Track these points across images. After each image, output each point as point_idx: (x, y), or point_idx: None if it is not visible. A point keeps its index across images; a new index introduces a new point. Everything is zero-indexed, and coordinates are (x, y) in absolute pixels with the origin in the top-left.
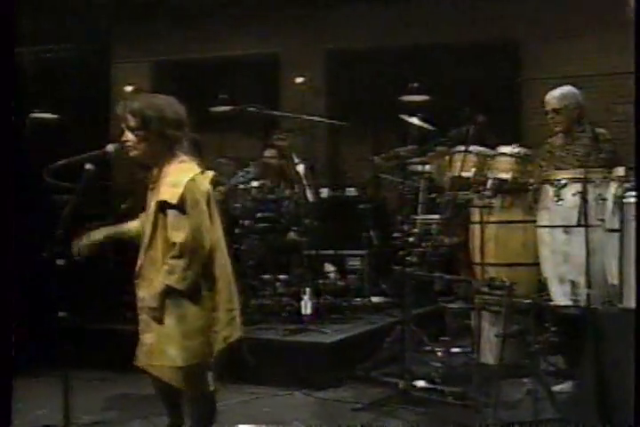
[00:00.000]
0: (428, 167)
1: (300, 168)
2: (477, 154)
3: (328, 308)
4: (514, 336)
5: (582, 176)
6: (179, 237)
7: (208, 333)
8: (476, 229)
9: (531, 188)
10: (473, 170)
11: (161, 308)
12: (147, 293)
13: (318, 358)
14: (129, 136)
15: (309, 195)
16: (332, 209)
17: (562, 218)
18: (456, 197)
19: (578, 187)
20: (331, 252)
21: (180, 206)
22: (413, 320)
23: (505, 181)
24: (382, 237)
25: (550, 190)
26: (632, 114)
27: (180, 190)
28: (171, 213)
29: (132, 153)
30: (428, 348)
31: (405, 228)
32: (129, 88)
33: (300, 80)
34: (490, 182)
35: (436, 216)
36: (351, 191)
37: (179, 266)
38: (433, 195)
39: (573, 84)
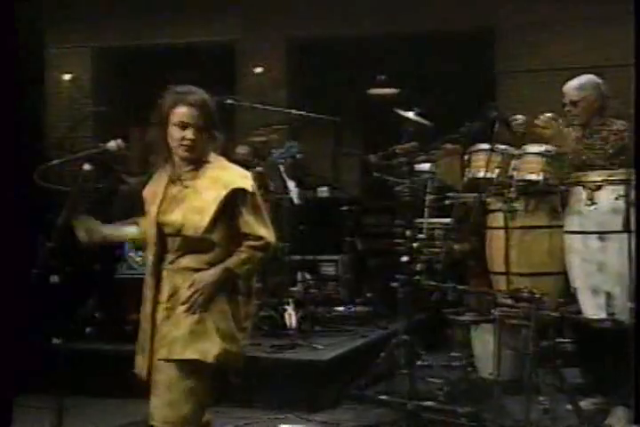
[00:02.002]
0: (430, 166)
1: (282, 168)
2: (502, 153)
3: (310, 319)
4: (543, 353)
5: (622, 177)
6: (264, 231)
7: (240, 340)
8: (494, 234)
9: (555, 189)
10: (497, 171)
11: (209, 298)
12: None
13: (314, 377)
14: (192, 134)
15: (295, 197)
16: (309, 211)
17: (596, 223)
18: (480, 199)
19: (616, 189)
20: (311, 257)
21: (255, 198)
22: (409, 333)
23: (536, 182)
24: (367, 242)
25: (582, 193)
26: (622, 109)
27: (251, 182)
28: (249, 204)
29: (191, 153)
30: (423, 363)
31: (408, 233)
32: (67, 76)
33: (258, 70)
34: (515, 184)
35: (445, 220)
36: (323, 191)
37: (257, 259)
38: (434, 197)
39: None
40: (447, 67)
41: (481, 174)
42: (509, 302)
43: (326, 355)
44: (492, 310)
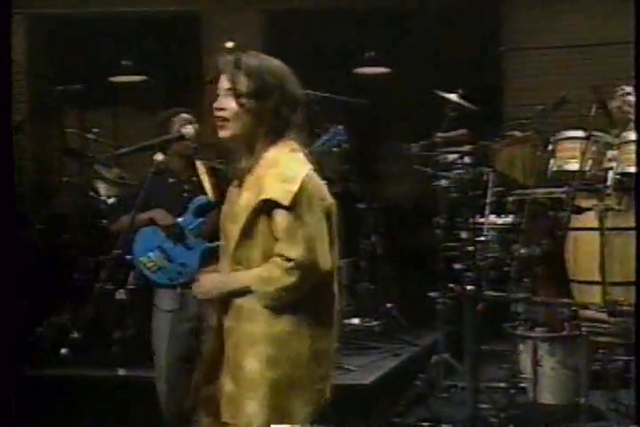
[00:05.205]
0: (468, 159)
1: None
2: (597, 142)
3: None
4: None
5: None
6: (294, 251)
7: (312, 384)
8: (582, 237)
9: None
10: (589, 162)
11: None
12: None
13: (356, 404)
14: (229, 104)
15: None
16: None
17: None
18: (571, 196)
19: None
20: None
21: (294, 209)
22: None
23: None
24: (387, 245)
25: None
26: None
27: (294, 188)
28: (282, 217)
29: (226, 131)
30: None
31: (464, 235)
32: None
33: (229, 45)
34: (613, 178)
35: (507, 220)
36: None
37: (284, 284)
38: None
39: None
40: (447, 43)
41: (573, 167)
42: (600, 316)
43: (366, 378)
44: (566, 325)
